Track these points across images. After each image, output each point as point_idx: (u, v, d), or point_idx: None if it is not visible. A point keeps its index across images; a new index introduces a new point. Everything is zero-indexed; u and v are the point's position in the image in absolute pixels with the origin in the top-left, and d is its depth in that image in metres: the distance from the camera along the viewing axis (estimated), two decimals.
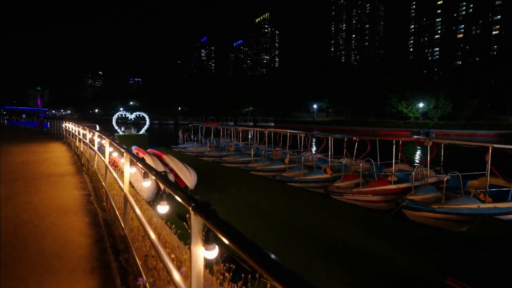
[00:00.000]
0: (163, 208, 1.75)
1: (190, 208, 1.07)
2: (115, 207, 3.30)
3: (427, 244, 5.17)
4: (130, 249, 2.48)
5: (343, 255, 4.87)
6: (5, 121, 51.49)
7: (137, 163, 2.36)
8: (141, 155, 7.50)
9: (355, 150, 9.47)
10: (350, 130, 46.45)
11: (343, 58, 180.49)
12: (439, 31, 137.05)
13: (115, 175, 3.32)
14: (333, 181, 9.39)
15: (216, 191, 8.10)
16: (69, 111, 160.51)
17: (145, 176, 3.13)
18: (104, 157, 4.17)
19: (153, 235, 1.72)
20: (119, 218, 3.03)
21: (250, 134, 19.80)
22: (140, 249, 2.49)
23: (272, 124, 60.29)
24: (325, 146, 12.26)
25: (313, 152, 14.07)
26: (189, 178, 7.44)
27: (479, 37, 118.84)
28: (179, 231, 3.33)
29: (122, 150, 2.72)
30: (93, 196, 4.81)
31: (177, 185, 1.38)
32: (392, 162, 9.00)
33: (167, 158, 7.61)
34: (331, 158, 10.84)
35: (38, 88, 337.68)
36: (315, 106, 65.23)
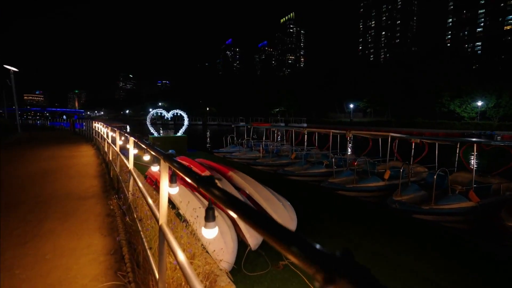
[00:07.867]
0: None
1: None
2: None
3: None
4: None
5: None
6: (48, 122, 53.91)
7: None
8: (194, 169, 5.05)
9: None
10: (411, 132, 37.03)
11: (371, 56, 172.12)
12: (482, 24, 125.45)
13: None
14: (481, 211, 6.13)
15: (311, 225, 4.97)
16: (102, 112, 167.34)
17: (209, 216, 1.23)
18: (158, 194, 1.75)
19: None
20: None
21: (298, 136, 16.88)
22: None
23: (305, 125, 56.05)
24: (424, 155, 9.13)
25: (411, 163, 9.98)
26: (286, 216, 4.10)
27: None
28: None
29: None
30: (129, 264, 2.43)
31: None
32: None
33: (238, 179, 4.53)
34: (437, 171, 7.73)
35: (76, 91, 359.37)
36: (351, 105, 60.32)
